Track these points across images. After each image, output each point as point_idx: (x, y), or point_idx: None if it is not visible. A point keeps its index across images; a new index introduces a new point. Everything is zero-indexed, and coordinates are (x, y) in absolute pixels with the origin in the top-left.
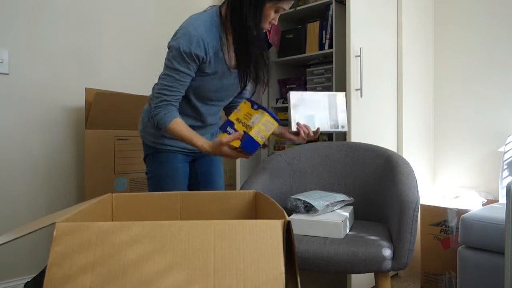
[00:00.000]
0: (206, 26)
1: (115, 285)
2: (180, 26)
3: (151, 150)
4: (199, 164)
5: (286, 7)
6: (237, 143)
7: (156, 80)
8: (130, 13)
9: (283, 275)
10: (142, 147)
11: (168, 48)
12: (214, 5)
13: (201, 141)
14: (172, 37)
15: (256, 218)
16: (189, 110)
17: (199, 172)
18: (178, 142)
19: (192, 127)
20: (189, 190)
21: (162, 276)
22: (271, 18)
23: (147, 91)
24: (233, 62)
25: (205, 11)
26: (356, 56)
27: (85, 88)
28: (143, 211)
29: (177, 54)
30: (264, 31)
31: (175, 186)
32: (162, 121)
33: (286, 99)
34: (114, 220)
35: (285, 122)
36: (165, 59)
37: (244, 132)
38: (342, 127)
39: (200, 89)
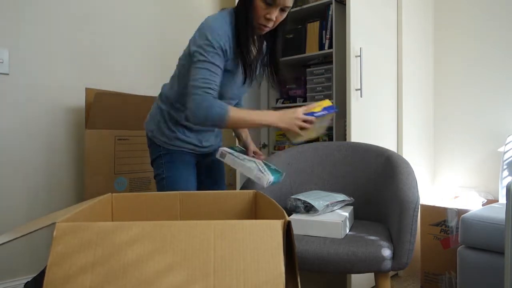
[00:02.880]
0: (226, 22)
1: (115, 285)
2: (200, 27)
3: (164, 151)
4: (201, 166)
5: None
6: (317, 109)
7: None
8: (129, 13)
9: (283, 275)
10: (149, 149)
11: (194, 52)
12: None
13: (271, 115)
14: (194, 38)
15: (256, 218)
16: None
17: (202, 174)
18: (189, 143)
19: (201, 130)
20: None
21: (162, 276)
22: (265, 12)
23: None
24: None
25: (220, 11)
26: (356, 56)
27: (85, 88)
28: (143, 211)
29: (209, 49)
30: (262, 28)
31: (189, 187)
32: (220, 114)
33: (286, 99)
34: (114, 220)
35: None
36: (195, 55)
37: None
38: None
39: (223, 87)
